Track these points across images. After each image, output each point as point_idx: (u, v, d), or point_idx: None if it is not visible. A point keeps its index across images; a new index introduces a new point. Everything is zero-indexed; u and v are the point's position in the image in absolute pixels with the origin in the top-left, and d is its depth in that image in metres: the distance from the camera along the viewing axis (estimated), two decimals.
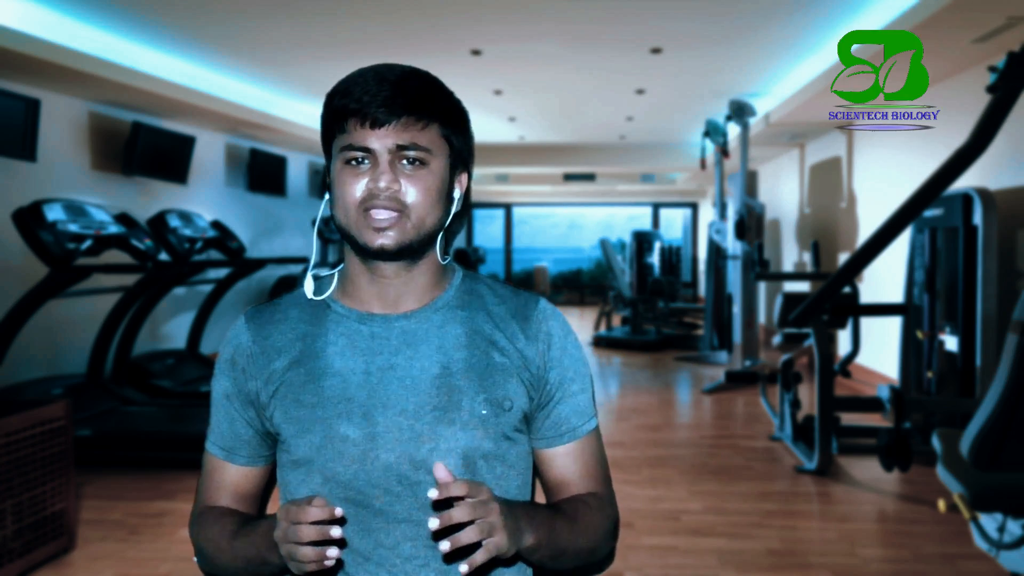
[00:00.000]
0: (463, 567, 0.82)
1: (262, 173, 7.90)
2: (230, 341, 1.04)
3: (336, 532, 0.83)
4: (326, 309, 1.02)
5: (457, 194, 1.01)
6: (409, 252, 0.96)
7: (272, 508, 1.12)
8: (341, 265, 1.06)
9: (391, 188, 0.92)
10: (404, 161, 0.93)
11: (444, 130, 0.96)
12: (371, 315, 1.00)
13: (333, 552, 0.83)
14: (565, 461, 1.03)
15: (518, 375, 1.00)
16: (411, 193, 0.93)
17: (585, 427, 1.04)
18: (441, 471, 0.85)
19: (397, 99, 0.92)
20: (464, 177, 1.02)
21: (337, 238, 6.61)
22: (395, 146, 0.92)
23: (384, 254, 0.94)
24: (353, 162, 0.94)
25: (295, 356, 1.00)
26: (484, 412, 0.97)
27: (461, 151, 1.00)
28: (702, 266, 13.09)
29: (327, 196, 1.00)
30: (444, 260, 1.03)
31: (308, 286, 1.04)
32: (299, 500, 0.86)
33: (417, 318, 1.00)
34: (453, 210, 1.00)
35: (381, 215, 0.93)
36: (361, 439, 0.95)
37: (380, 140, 0.92)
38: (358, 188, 0.93)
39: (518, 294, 1.06)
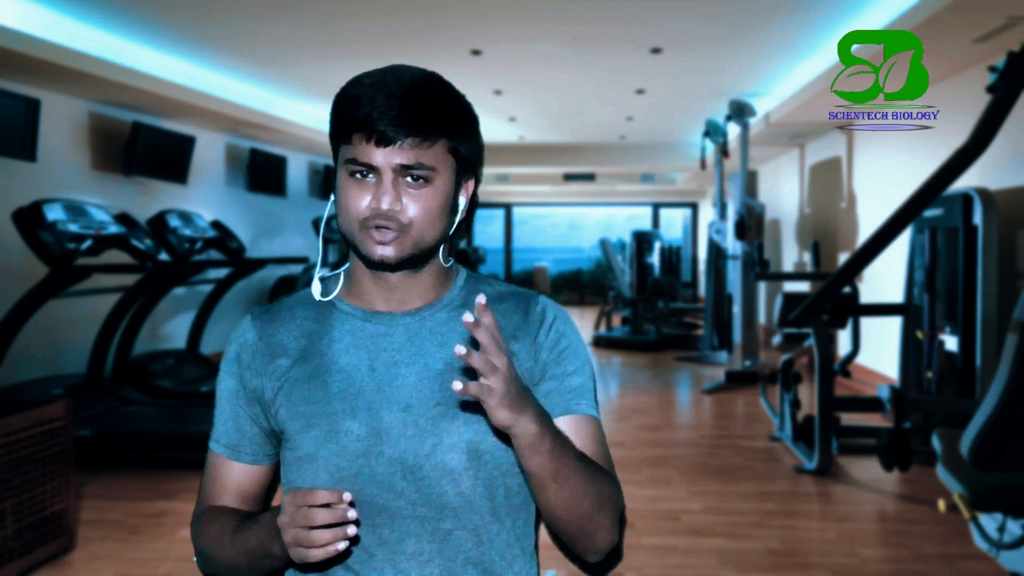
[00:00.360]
0: (456, 384, 0.79)
1: (262, 173, 7.90)
2: (235, 339, 1.05)
3: (352, 514, 0.83)
4: (331, 307, 1.04)
5: (462, 202, 1.02)
6: (410, 263, 0.98)
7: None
8: (346, 265, 1.07)
9: (393, 208, 0.94)
10: (408, 178, 0.94)
11: (451, 143, 0.97)
12: (376, 313, 1.02)
13: (351, 531, 0.83)
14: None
15: (518, 367, 1.01)
16: (412, 210, 0.95)
17: (580, 407, 1.01)
18: (481, 297, 0.83)
19: (404, 117, 0.92)
20: (471, 183, 1.03)
21: (338, 238, 6.62)
22: (399, 165, 0.93)
23: (385, 266, 0.97)
24: (358, 175, 0.95)
25: (300, 353, 1.01)
26: None
27: (468, 159, 1.00)
28: (702, 266, 13.08)
29: (332, 198, 1.01)
30: (447, 263, 1.05)
31: (316, 289, 1.05)
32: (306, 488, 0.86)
33: (421, 316, 1.02)
34: (457, 220, 1.02)
35: (382, 231, 0.94)
36: (366, 434, 0.96)
37: (385, 158, 0.93)
38: (362, 203, 0.95)
39: (519, 292, 1.08)
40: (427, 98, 0.95)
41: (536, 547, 1.07)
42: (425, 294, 1.03)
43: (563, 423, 0.99)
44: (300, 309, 1.05)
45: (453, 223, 1.01)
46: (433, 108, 0.94)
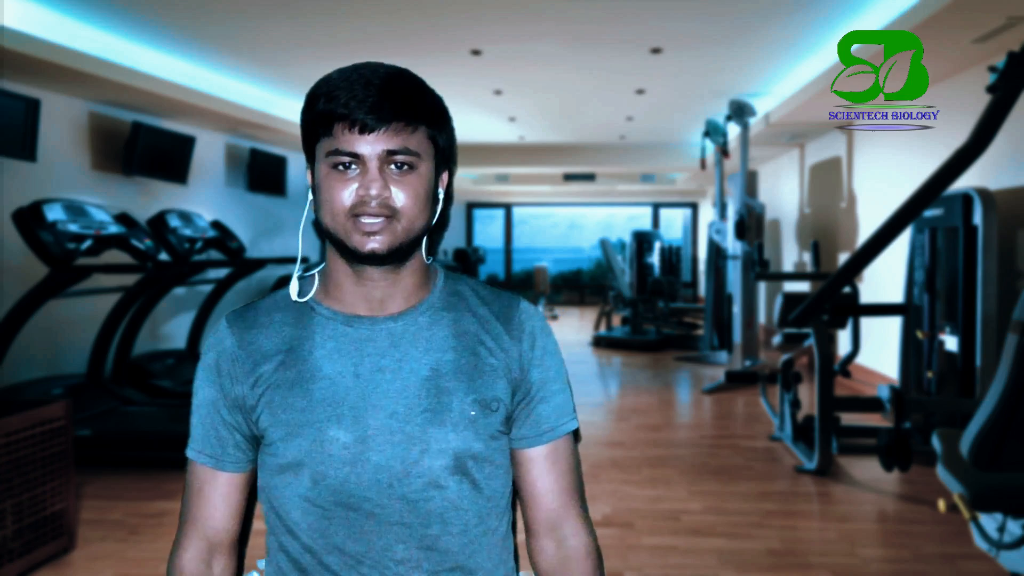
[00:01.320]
0: None
1: (262, 173, 7.90)
2: (213, 346, 1.02)
3: None
4: (310, 311, 1.02)
5: (440, 193, 1.01)
6: (399, 255, 0.96)
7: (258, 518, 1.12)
8: (321, 266, 1.05)
9: (382, 195, 0.92)
10: (392, 166, 0.93)
11: (430, 131, 0.96)
12: (357, 317, 1.00)
13: None
14: (541, 466, 1.03)
15: (505, 376, 1.01)
16: (400, 198, 0.93)
17: (564, 427, 1.05)
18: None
19: (385, 104, 0.91)
20: (445, 176, 1.02)
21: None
22: (384, 152, 0.92)
23: (374, 258, 0.94)
24: (340, 167, 0.93)
25: (282, 359, 0.99)
26: (473, 413, 0.97)
27: (445, 149, 1.00)
28: (702, 266, 13.08)
29: (311, 198, 0.99)
30: (428, 260, 1.04)
31: (293, 288, 1.03)
32: None
33: (404, 320, 1.00)
34: (439, 210, 1.01)
35: (371, 220, 0.93)
36: (352, 442, 0.95)
37: (370, 146, 0.92)
38: (347, 194, 0.93)
39: (500, 296, 1.07)
40: (405, 85, 0.94)
41: (516, 549, 1.08)
42: (407, 296, 1.01)
43: (545, 452, 1.03)
44: (278, 314, 1.02)
45: (435, 214, 1.00)
46: (412, 94, 0.94)
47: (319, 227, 0.98)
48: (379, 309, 1.00)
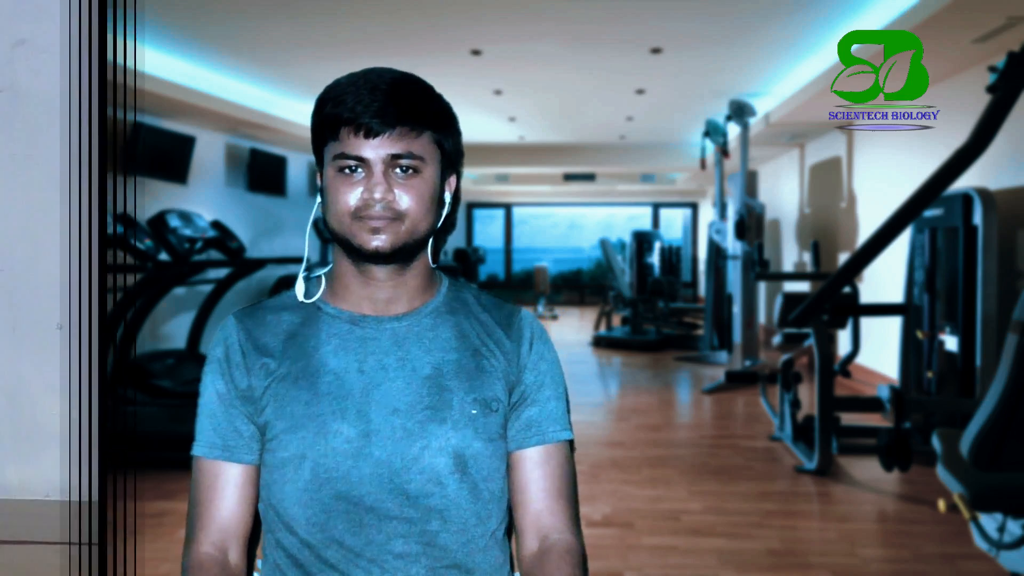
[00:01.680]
0: None
1: (262, 173, 7.90)
2: (221, 340, 1.04)
3: None
4: (317, 311, 1.04)
5: (447, 197, 1.03)
6: (403, 255, 0.98)
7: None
8: (328, 267, 1.07)
9: (386, 198, 0.95)
10: (398, 170, 0.95)
11: (436, 136, 0.98)
12: (363, 317, 1.02)
13: None
14: (530, 465, 1.03)
15: (504, 377, 1.03)
16: (405, 201, 0.96)
17: (555, 434, 1.05)
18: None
19: (390, 108, 0.93)
20: (453, 180, 1.04)
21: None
22: (389, 156, 0.94)
23: (378, 256, 0.97)
24: (346, 170, 0.96)
25: (288, 354, 1.01)
26: (474, 412, 0.99)
27: (451, 154, 1.02)
28: (702, 266, 13.08)
29: (319, 199, 1.02)
30: (434, 264, 1.06)
31: (299, 289, 1.05)
32: None
33: (408, 321, 1.03)
34: (444, 213, 1.03)
35: (375, 223, 0.95)
36: (355, 436, 0.96)
37: (374, 150, 0.94)
38: (352, 197, 0.95)
39: (501, 305, 1.10)
40: (411, 91, 0.96)
41: (512, 556, 1.09)
42: (411, 298, 1.03)
43: (535, 453, 1.03)
44: (286, 313, 1.05)
45: (440, 217, 1.02)
46: (418, 99, 0.96)
47: (324, 228, 1.00)
48: (384, 310, 1.03)
